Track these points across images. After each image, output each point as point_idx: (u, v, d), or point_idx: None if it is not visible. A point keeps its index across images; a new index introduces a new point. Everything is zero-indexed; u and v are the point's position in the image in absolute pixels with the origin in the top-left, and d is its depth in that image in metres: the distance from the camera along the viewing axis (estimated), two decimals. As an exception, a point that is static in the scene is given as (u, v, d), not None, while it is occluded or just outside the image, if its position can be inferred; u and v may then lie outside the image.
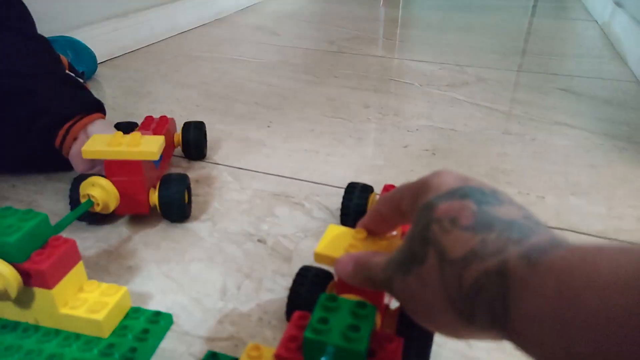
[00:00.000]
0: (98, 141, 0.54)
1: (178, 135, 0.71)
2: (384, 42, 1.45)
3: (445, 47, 1.38)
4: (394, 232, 0.46)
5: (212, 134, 0.82)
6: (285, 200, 0.65)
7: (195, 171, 0.71)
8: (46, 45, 0.68)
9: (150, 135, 0.56)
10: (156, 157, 0.53)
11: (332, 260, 0.37)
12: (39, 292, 0.40)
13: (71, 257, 0.42)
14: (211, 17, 1.61)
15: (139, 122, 0.70)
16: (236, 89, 1.05)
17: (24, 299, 0.41)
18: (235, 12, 1.75)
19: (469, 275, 0.24)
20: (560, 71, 1.18)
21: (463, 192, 0.28)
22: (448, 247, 0.25)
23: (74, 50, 0.99)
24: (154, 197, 0.56)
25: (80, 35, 1.09)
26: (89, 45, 1.04)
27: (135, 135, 0.55)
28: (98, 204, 0.51)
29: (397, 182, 0.69)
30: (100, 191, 0.51)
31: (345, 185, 0.59)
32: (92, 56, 1.05)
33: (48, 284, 0.40)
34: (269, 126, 0.87)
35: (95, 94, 0.68)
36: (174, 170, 0.70)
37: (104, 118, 0.64)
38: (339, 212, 0.58)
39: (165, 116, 0.69)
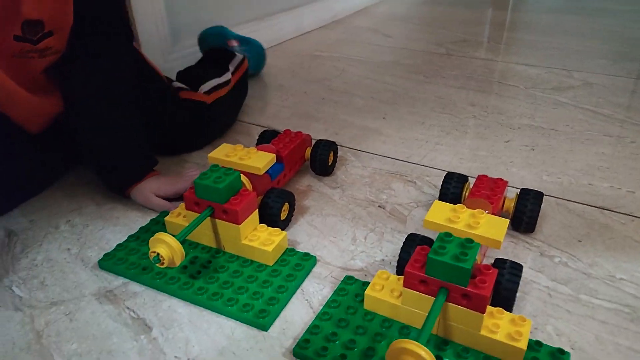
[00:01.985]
0: (222, 152, 0.65)
1: (308, 151, 0.78)
2: (491, 45, 1.53)
3: (553, 50, 1.42)
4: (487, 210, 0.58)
5: (337, 124, 0.98)
6: (400, 178, 0.79)
7: (324, 150, 0.87)
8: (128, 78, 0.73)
9: (263, 152, 0.65)
10: (260, 172, 0.62)
11: (439, 227, 0.49)
12: (230, 226, 0.58)
13: (253, 205, 0.59)
14: (328, 19, 1.78)
15: (282, 127, 0.82)
16: (354, 85, 1.19)
17: (217, 231, 0.59)
18: (349, 15, 1.91)
19: None
20: (672, 79, 1.19)
21: None
22: None
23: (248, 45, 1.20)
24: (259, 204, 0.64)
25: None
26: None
27: (251, 150, 0.65)
28: (164, 262, 0.51)
29: (498, 171, 0.80)
30: (166, 249, 0.51)
31: (451, 170, 0.71)
32: (261, 53, 1.25)
33: (238, 221, 0.57)
34: (384, 118, 1.01)
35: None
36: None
37: (158, 174, 0.73)
38: (445, 190, 0.71)
39: (301, 132, 0.78)
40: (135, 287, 0.56)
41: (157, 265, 0.51)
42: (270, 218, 0.63)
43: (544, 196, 0.72)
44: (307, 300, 0.54)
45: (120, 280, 0.57)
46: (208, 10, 1.26)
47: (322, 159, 0.76)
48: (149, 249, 0.52)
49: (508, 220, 0.51)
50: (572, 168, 0.81)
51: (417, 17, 1.92)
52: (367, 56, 1.41)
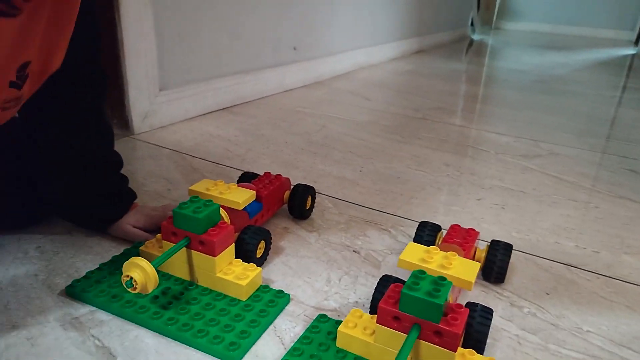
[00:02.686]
0: (203, 185, 0.66)
1: (287, 194, 0.79)
2: (465, 114, 1.61)
3: (521, 123, 1.51)
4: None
5: (315, 173, 1.00)
6: (375, 226, 0.80)
7: (302, 197, 0.89)
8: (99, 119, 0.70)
9: (243, 188, 0.66)
10: (239, 207, 0.63)
11: (413, 266, 0.51)
12: (205, 258, 0.58)
13: (230, 238, 0.59)
14: (311, 80, 1.86)
15: (261, 171, 0.84)
16: (333, 139, 1.23)
17: (192, 262, 0.59)
18: (331, 78, 2.00)
19: None
20: (630, 154, 1.27)
21: None
22: None
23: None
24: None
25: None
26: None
27: (231, 185, 0.66)
28: (137, 287, 0.50)
29: (469, 225, 0.82)
30: (140, 273, 0.50)
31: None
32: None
33: (214, 252, 0.57)
34: (361, 170, 1.04)
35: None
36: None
37: (137, 205, 0.73)
38: (419, 239, 0.72)
39: (280, 175, 0.79)
40: (102, 315, 0.55)
41: (129, 290, 0.50)
42: (246, 254, 0.63)
43: (514, 250, 0.74)
44: (278, 337, 0.54)
45: (88, 308, 0.56)
46: (198, 60, 1.30)
47: (301, 202, 0.77)
48: (121, 276, 0.51)
49: (479, 264, 0.53)
50: (539, 227, 0.84)
51: (396, 85, 2.02)
52: (347, 115, 1.47)
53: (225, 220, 0.62)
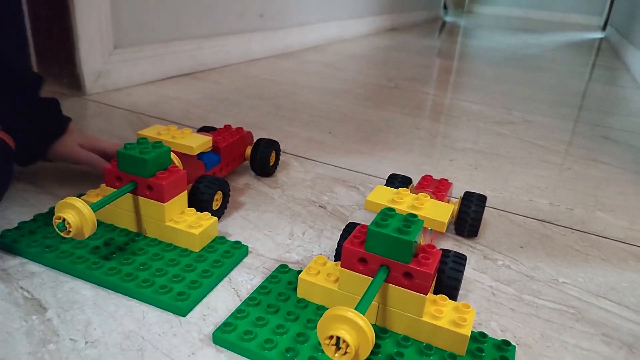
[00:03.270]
0: (154, 130, 0.61)
1: (249, 150, 0.74)
2: (438, 84, 1.58)
3: (495, 94, 1.48)
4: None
5: (281, 134, 0.95)
6: (343, 183, 0.75)
7: (266, 156, 0.83)
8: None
9: (198, 135, 0.61)
10: (193, 152, 0.58)
11: (381, 207, 0.46)
12: (154, 204, 0.52)
13: (182, 183, 0.54)
14: (279, 50, 1.79)
15: (219, 126, 0.77)
16: (302, 104, 1.18)
17: (139, 211, 0.53)
18: (301, 50, 1.93)
19: None
20: (602, 123, 1.26)
21: None
22: None
23: None
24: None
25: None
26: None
27: (185, 130, 0.60)
28: (70, 230, 0.44)
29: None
30: (75, 215, 0.44)
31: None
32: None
33: (163, 198, 0.51)
34: (330, 132, 0.99)
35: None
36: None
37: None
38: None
39: (241, 128, 0.73)
40: (34, 267, 0.49)
41: (62, 234, 0.44)
42: (201, 205, 0.57)
43: (487, 207, 0.71)
44: (234, 288, 0.49)
45: (19, 260, 0.50)
46: (156, 18, 1.22)
47: (263, 157, 0.72)
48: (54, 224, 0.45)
49: (452, 205, 0.49)
50: (513, 186, 0.81)
51: (370, 57, 1.97)
52: (318, 84, 1.42)
53: (177, 165, 0.57)
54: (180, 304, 0.44)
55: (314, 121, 1.06)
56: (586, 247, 0.64)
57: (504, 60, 2.20)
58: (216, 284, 0.49)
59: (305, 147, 0.89)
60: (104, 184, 0.56)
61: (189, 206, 0.56)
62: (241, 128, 0.73)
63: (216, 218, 0.55)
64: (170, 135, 0.58)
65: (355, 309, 0.35)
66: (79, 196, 0.58)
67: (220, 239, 0.54)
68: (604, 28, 4.32)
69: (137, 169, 0.51)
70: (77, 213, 0.44)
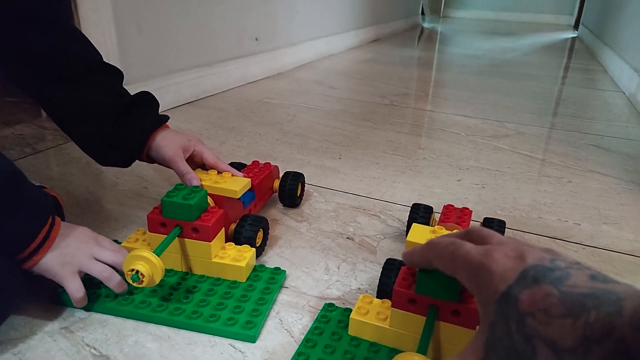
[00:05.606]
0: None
1: (277, 182, 0.77)
2: (430, 98, 1.63)
3: (485, 105, 1.54)
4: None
5: (295, 163, 0.98)
6: (364, 212, 0.79)
7: (285, 187, 0.86)
8: None
9: (238, 177, 0.64)
10: (236, 196, 0.60)
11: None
12: (200, 244, 0.55)
13: (222, 221, 0.57)
14: (274, 70, 1.83)
15: (248, 161, 0.81)
16: (307, 129, 1.21)
17: (185, 251, 0.56)
18: (293, 68, 1.97)
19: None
20: (590, 131, 1.32)
21: (533, 276, 0.30)
22: (557, 338, 0.27)
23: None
24: (231, 231, 0.62)
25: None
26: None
27: (225, 174, 0.64)
28: (143, 281, 0.47)
29: (456, 205, 0.82)
30: (145, 264, 0.48)
31: (410, 205, 0.73)
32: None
33: (209, 238, 0.55)
34: (339, 158, 1.03)
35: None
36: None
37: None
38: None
39: (269, 163, 0.76)
40: (94, 321, 0.51)
41: (135, 284, 0.47)
42: (246, 243, 0.60)
43: (503, 227, 0.75)
44: (286, 330, 0.52)
45: (77, 314, 0.52)
46: (160, 53, 1.25)
47: (292, 189, 0.75)
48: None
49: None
50: (521, 204, 0.86)
51: (359, 73, 2.02)
52: (316, 104, 1.45)
53: (212, 203, 0.60)
54: (250, 332, 0.48)
55: (322, 147, 1.09)
56: (598, 262, 0.69)
57: (486, 67, 2.27)
58: (269, 309, 0.53)
59: (321, 176, 0.92)
60: (139, 230, 0.59)
61: (235, 244, 0.60)
62: (269, 163, 0.77)
63: (254, 249, 0.58)
64: (213, 180, 0.62)
65: (417, 351, 0.38)
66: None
67: (261, 267, 0.59)
68: (575, 27, 4.46)
69: (183, 214, 0.54)
70: (147, 263, 0.47)
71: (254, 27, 1.64)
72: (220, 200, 0.61)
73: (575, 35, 3.99)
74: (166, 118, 0.69)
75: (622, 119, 1.47)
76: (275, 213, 0.77)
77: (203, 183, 0.61)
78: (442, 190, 0.89)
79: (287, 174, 0.77)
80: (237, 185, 0.61)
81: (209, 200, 0.60)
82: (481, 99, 1.62)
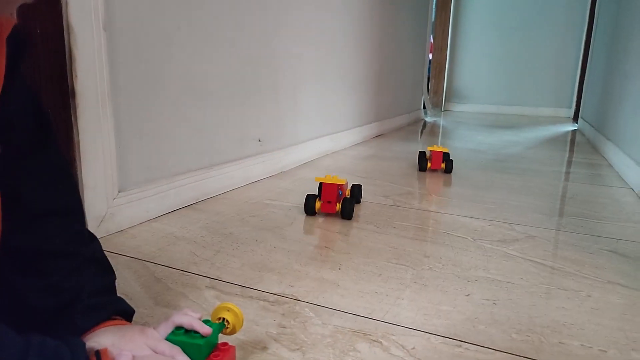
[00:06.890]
0: None
1: None
2: (434, 197, 1.59)
3: (492, 205, 1.50)
4: None
5: (292, 275, 0.92)
6: (364, 337, 0.72)
7: (279, 305, 0.80)
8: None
9: None
10: None
11: None
12: None
13: (233, 356, 0.57)
14: (276, 170, 1.82)
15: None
16: (307, 234, 1.17)
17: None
18: (295, 167, 1.97)
19: None
20: (604, 234, 1.26)
21: None
22: None
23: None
24: None
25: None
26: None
27: None
28: (228, 328, 0.60)
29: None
30: (231, 315, 0.60)
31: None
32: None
33: None
34: (339, 268, 0.97)
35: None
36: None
37: (123, 324, 0.56)
38: (414, 351, 0.65)
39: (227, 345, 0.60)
40: None
41: (222, 331, 0.58)
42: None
43: (520, 357, 0.67)
44: None
45: None
46: (160, 157, 1.24)
47: None
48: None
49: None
50: (538, 325, 0.78)
51: (361, 171, 2.01)
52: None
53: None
54: None
55: (322, 254, 1.04)
56: (633, 402, 0.60)
57: (490, 163, 2.27)
58: None
59: (318, 291, 0.86)
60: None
61: None
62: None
63: None
64: None
65: None
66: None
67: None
68: (575, 119, 4.55)
69: (192, 355, 0.51)
70: (232, 313, 0.60)
71: (257, 128, 1.66)
72: None
73: (576, 127, 4.05)
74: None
75: (635, 219, 1.42)
76: (267, 339, 0.70)
77: None
78: (450, 307, 0.82)
79: None
80: None
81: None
82: (487, 198, 1.59)
